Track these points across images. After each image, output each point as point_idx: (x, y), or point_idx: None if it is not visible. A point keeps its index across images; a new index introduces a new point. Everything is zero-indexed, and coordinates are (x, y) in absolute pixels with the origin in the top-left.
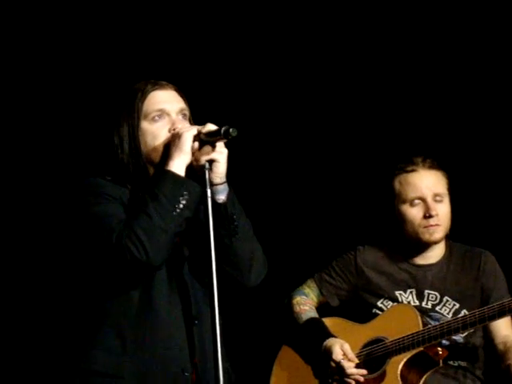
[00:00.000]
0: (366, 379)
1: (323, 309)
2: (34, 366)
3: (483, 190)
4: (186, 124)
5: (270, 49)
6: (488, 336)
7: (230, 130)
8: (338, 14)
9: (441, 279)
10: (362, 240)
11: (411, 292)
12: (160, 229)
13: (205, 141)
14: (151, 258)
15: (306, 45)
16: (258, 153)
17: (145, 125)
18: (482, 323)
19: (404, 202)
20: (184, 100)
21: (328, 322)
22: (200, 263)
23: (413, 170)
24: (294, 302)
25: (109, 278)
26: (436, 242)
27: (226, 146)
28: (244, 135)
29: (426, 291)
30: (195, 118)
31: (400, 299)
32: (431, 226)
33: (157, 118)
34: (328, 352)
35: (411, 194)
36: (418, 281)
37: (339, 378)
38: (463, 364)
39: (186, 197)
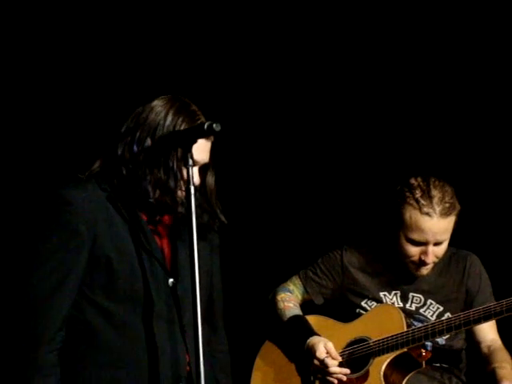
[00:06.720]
0: (348, 378)
1: (307, 306)
2: None
3: (473, 193)
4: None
5: (267, 48)
6: (473, 339)
7: (214, 125)
8: (339, 14)
9: (426, 282)
10: (349, 239)
11: (396, 294)
12: None
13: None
14: None
15: (304, 48)
16: (249, 149)
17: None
18: (467, 326)
19: (406, 237)
20: None
21: (311, 319)
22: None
23: (427, 214)
24: (279, 298)
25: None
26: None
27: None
28: (236, 133)
29: (411, 294)
30: None
31: (384, 300)
32: (422, 267)
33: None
34: (311, 350)
35: (416, 236)
36: (403, 283)
37: (322, 377)
38: (445, 366)
39: None
